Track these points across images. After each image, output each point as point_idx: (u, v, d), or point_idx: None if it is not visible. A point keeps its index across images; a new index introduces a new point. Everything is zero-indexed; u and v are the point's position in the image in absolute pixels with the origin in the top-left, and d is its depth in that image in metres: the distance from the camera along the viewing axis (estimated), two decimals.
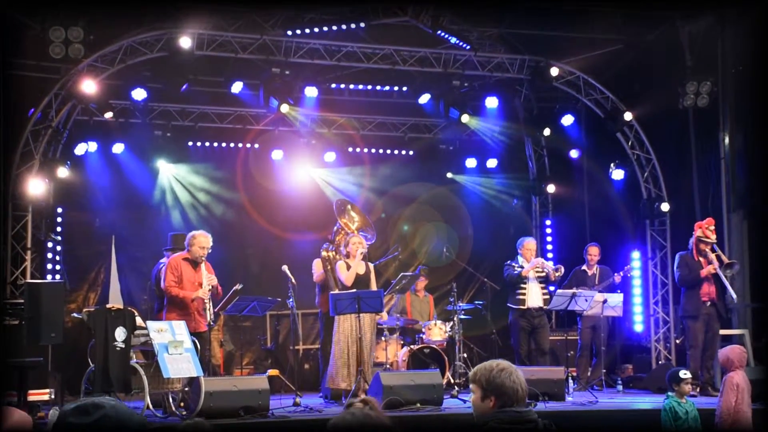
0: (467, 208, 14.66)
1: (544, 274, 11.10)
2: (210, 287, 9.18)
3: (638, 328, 13.09)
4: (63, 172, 11.17)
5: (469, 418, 3.96)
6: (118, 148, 12.40)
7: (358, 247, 10.14)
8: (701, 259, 10.75)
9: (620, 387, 11.20)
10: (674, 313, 12.55)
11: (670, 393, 7.44)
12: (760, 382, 8.79)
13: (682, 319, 11.36)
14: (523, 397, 3.71)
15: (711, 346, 10.61)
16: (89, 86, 10.78)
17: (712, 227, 10.82)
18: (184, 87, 11.64)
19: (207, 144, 13.48)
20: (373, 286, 10.30)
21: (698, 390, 10.44)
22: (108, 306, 9.05)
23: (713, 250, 10.78)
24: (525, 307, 11.00)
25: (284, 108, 11.95)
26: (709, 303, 10.66)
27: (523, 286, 11.04)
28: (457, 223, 14.42)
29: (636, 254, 13.12)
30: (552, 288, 11.34)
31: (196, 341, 8.87)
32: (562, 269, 11.13)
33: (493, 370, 3.72)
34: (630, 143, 13.06)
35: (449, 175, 14.69)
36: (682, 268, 10.84)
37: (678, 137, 12.75)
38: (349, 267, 10.13)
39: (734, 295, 10.76)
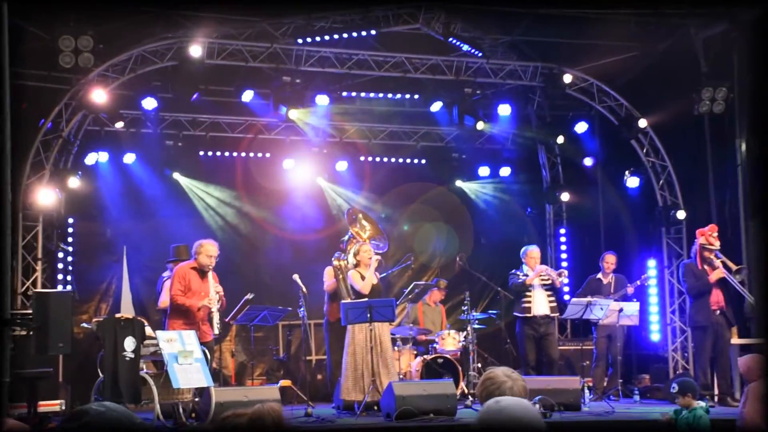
0: (480, 217, 14.55)
1: (549, 281, 11.05)
2: (217, 297, 9.10)
3: (655, 337, 12.92)
4: (74, 182, 11.12)
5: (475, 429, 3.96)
6: (129, 158, 12.35)
7: (369, 255, 10.00)
8: (706, 267, 10.61)
9: (637, 397, 11.06)
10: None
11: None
12: None
13: (691, 330, 11.23)
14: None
15: (723, 355, 10.49)
16: (99, 96, 10.76)
17: (715, 234, 10.67)
18: (195, 96, 11.57)
19: (218, 153, 13.42)
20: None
21: (716, 400, 10.30)
22: (117, 315, 8.97)
23: (717, 257, 10.62)
24: (531, 315, 10.94)
25: (293, 114, 11.92)
26: (718, 312, 10.53)
27: (528, 294, 10.99)
28: (469, 232, 14.29)
29: (652, 263, 12.97)
30: (567, 297, 11.23)
31: (206, 351, 8.78)
32: (566, 273, 11.17)
33: (485, 381, 3.83)
34: (645, 150, 12.94)
35: (458, 183, 14.57)
36: (689, 278, 10.74)
37: (693, 144, 12.60)
38: (363, 277, 9.98)
39: (752, 299, 10.59)
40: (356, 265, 10.10)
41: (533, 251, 11.30)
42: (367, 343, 9.59)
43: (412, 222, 14.12)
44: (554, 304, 11.01)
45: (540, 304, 10.96)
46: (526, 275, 11.05)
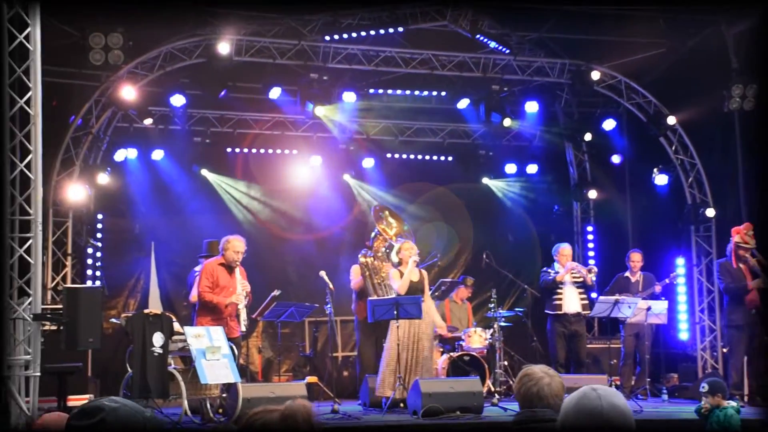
0: (507, 214, 14.50)
1: (581, 279, 11.03)
2: (244, 293, 9.14)
3: (683, 336, 12.82)
4: (103, 178, 11.24)
5: (509, 425, 3.96)
6: (157, 154, 12.44)
7: (410, 253, 9.94)
8: (741, 265, 10.54)
9: (665, 396, 10.98)
10: (720, 321, 12.31)
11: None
12: None
13: (725, 328, 11.15)
14: (546, 401, 3.68)
15: (757, 355, 10.38)
16: (129, 92, 10.84)
17: (751, 232, 10.58)
18: (223, 93, 11.64)
19: (245, 150, 13.47)
20: (427, 294, 10.13)
21: (746, 400, 10.21)
22: (146, 311, 9.03)
23: (753, 255, 10.53)
24: (562, 312, 10.96)
25: (319, 110, 11.94)
26: (753, 311, 10.43)
27: (559, 291, 11.00)
28: (496, 229, 14.26)
29: (680, 261, 12.87)
30: (594, 294, 11.19)
31: (234, 347, 8.82)
32: (595, 269, 11.19)
33: (522, 378, 3.80)
34: (674, 148, 12.84)
35: (484, 180, 14.53)
36: (725, 277, 10.65)
37: (723, 141, 12.48)
38: (402, 275, 9.94)
39: None
40: (399, 263, 10.05)
41: (565, 249, 11.30)
42: (406, 339, 9.57)
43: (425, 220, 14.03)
44: (586, 302, 10.98)
45: (571, 301, 10.97)
46: (557, 272, 11.03)
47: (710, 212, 12.47)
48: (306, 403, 2.85)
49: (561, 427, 2.73)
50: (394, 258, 10.07)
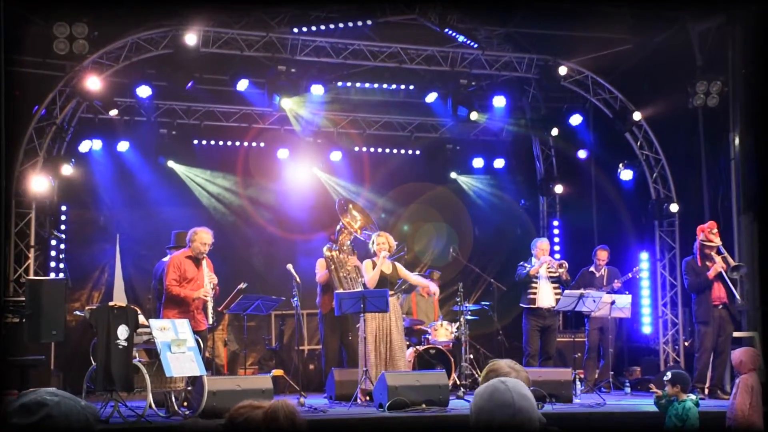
0: (473, 209, 14.54)
1: (556, 274, 11.05)
2: (212, 286, 9.10)
3: (646, 329, 12.98)
4: (67, 169, 11.11)
5: None
6: (122, 146, 12.30)
7: (382, 247, 10.00)
8: (707, 263, 10.65)
9: (628, 389, 11.11)
10: (683, 315, 12.49)
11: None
12: None
13: (694, 324, 11.29)
14: None
15: (724, 350, 10.52)
16: (94, 83, 10.73)
17: (715, 230, 10.72)
18: (190, 85, 11.54)
19: (212, 142, 13.39)
20: None
21: (707, 393, 10.35)
22: (110, 304, 8.94)
23: (719, 253, 10.68)
24: (536, 306, 11.01)
25: (286, 103, 11.90)
26: (720, 306, 10.58)
27: (534, 285, 11.06)
28: (463, 224, 14.29)
29: (644, 255, 13.01)
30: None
31: (200, 340, 8.78)
32: (566, 264, 11.20)
33: (489, 373, 3.83)
34: (639, 143, 12.96)
35: (453, 175, 14.57)
36: (689, 274, 10.79)
37: (687, 138, 12.62)
38: (374, 266, 9.98)
39: (739, 297, 10.70)
40: (374, 254, 10.08)
41: (542, 243, 11.40)
42: (381, 332, 9.62)
43: (414, 221, 14.05)
44: (560, 297, 10.97)
45: (545, 295, 11.03)
46: (533, 266, 11.08)
47: (674, 207, 12.62)
48: (290, 402, 2.90)
49: (476, 420, 2.86)
50: (372, 248, 10.14)
